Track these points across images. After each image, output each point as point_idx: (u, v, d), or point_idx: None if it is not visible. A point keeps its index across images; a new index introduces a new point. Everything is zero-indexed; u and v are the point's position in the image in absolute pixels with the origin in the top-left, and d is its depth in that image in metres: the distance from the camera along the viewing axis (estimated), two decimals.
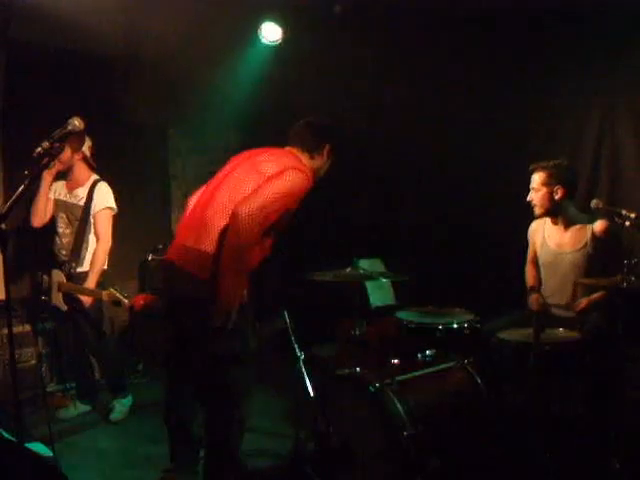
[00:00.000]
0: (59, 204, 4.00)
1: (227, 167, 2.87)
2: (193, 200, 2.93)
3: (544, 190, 3.51)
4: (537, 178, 3.54)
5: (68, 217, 3.97)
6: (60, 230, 3.99)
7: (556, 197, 3.49)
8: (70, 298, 3.89)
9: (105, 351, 4.10)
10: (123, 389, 4.11)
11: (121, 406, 4.05)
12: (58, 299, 3.93)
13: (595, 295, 3.40)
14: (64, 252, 3.95)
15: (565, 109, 4.31)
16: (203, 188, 2.91)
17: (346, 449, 2.78)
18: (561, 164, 3.54)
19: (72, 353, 4.13)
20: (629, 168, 4.15)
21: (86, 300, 3.84)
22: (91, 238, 3.96)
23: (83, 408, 4.13)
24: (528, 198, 3.58)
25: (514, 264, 3.88)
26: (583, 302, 3.41)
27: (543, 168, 3.53)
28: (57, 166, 3.84)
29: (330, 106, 4.88)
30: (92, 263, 3.89)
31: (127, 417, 4.03)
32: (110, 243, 3.97)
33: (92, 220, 3.94)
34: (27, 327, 4.27)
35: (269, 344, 4.16)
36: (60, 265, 3.94)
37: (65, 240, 3.97)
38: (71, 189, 3.99)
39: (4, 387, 3.93)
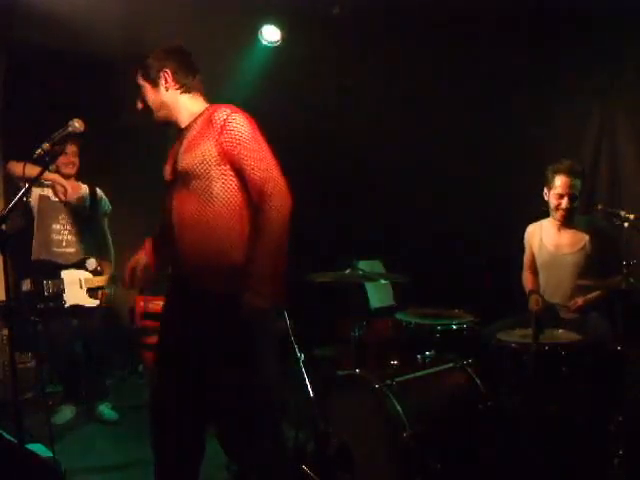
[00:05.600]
0: (57, 205, 4.00)
1: None
2: None
3: (577, 198, 3.42)
4: (576, 185, 3.40)
5: (74, 217, 4.03)
6: (60, 227, 3.99)
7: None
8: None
9: (107, 350, 4.13)
10: (106, 391, 4.15)
11: (108, 407, 4.07)
12: (79, 297, 3.96)
13: (591, 295, 3.41)
14: (72, 250, 3.99)
15: (565, 109, 4.32)
16: None
17: (346, 450, 2.78)
18: (584, 170, 3.52)
19: (80, 353, 4.14)
20: (628, 168, 4.17)
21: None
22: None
23: (79, 410, 4.13)
24: (564, 205, 3.41)
25: (514, 265, 3.88)
26: (579, 301, 3.42)
27: (580, 174, 3.42)
28: (71, 169, 4.01)
29: (330, 107, 4.90)
30: (106, 258, 4.16)
31: (125, 418, 4.02)
32: None
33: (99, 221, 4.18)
34: (27, 329, 4.26)
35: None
36: (76, 264, 3.98)
37: (70, 237, 4.01)
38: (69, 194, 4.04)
39: (4, 388, 3.94)
